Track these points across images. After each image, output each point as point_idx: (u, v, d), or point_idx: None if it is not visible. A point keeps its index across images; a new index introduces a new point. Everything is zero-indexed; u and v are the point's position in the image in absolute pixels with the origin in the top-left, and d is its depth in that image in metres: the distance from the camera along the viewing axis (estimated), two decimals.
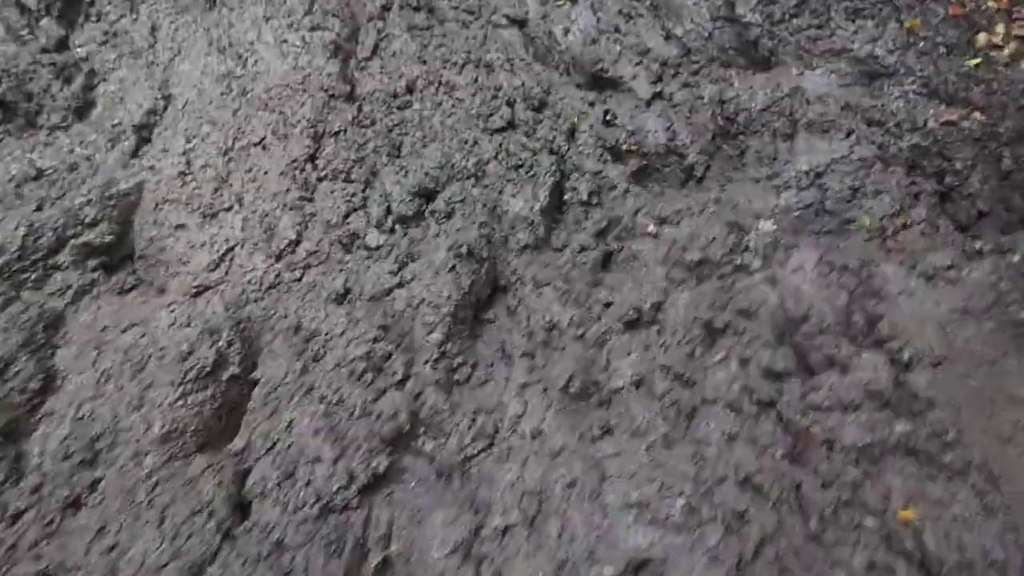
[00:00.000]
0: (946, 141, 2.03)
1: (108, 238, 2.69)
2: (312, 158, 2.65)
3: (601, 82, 2.52)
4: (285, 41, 3.10)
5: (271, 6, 3.22)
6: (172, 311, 2.49)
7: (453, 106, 2.65)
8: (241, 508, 1.95)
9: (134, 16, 3.26)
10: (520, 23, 2.78)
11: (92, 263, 2.70)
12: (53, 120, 3.05)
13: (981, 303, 1.68)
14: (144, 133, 3.01)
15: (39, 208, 2.70)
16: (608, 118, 2.38)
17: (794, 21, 2.28)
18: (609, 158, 2.32)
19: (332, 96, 2.83)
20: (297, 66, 2.99)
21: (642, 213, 2.12)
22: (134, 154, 2.94)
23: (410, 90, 2.79)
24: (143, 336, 2.47)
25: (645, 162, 2.33)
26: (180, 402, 2.17)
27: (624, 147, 2.32)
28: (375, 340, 2.07)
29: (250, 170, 2.68)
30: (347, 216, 2.51)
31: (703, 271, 1.97)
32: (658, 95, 2.36)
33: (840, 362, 1.71)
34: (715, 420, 1.71)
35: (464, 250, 2.18)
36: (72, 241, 2.68)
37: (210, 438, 2.21)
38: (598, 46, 2.57)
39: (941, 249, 1.81)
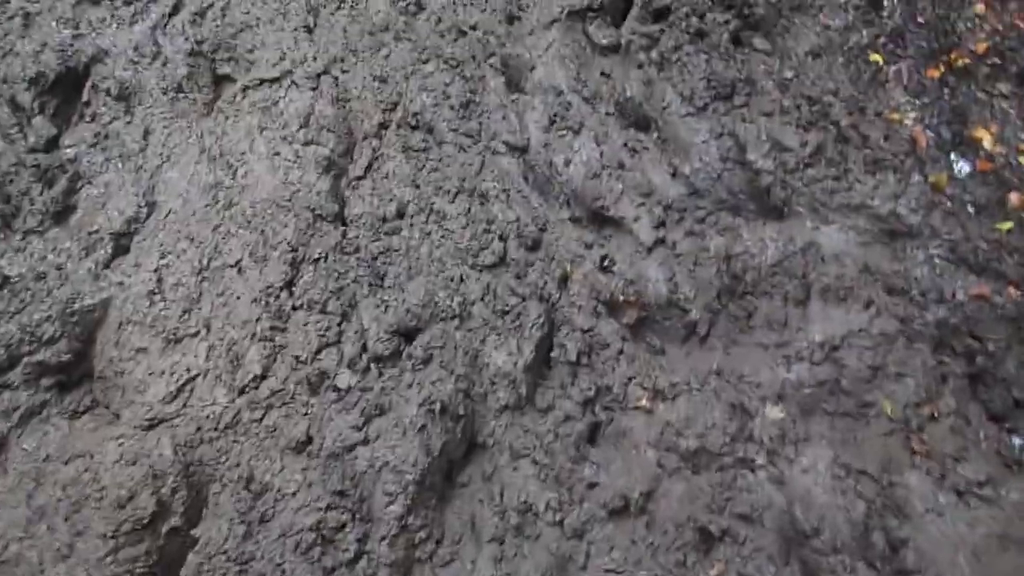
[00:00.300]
0: (977, 318, 1.83)
1: (65, 357, 2.52)
2: (289, 285, 2.49)
3: (601, 220, 2.37)
4: (277, 153, 2.99)
5: (267, 116, 3.12)
6: (120, 444, 2.29)
7: (443, 237, 2.49)
8: None
9: (128, 118, 3.17)
10: (520, 150, 2.65)
11: (46, 382, 2.52)
12: (29, 224, 2.93)
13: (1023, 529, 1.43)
14: (123, 241, 2.88)
15: None
16: (606, 264, 2.21)
17: (808, 171, 2.12)
18: (603, 311, 2.14)
19: (318, 216, 2.69)
20: (287, 181, 2.87)
21: (636, 382, 1.92)
22: (107, 264, 2.80)
23: (400, 215, 2.65)
24: (86, 471, 2.27)
25: (644, 313, 2.14)
26: (110, 558, 1.92)
27: (621, 297, 2.13)
28: (329, 508, 1.86)
29: (222, 293, 2.52)
30: (319, 351, 2.32)
31: (700, 461, 1.74)
32: (661, 241, 2.19)
33: None
34: None
35: (437, 407, 1.98)
36: (26, 359, 2.50)
37: None
38: (599, 181, 2.43)
39: (975, 455, 1.57)
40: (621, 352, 2.04)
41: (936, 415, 1.70)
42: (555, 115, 2.57)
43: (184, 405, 2.35)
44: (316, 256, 2.56)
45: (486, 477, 2.04)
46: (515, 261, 2.37)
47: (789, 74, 2.39)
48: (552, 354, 2.12)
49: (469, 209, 2.60)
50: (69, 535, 2.09)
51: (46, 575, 2.04)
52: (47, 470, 2.35)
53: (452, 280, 2.43)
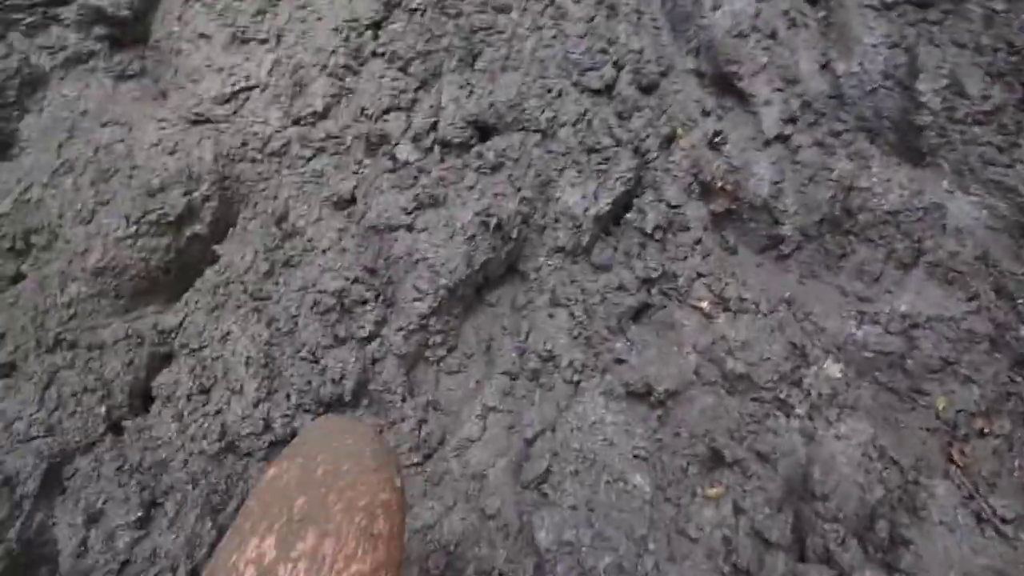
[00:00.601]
0: None
1: (124, 12, 2.33)
2: (376, 26, 2.26)
3: (727, 88, 2.13)
4: None
5: None
6: (161, 128, 2.18)
7: (554, 37, 2.24)
8: (143, 399, 1.71)
9: None
10: None
11: (98, 31, 2.35)
12: None
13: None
14: None
15: None
16: (717, 140, 2.00)
17: (974, 128, 1.88)
18: (696, 192, 1.97)
19: None
20: None
21: (704, 281, 1.80)
22: None
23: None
24: (121, 141, 2.17)
25: (734, 206, 1.98)
26: (129, 241, 1.88)
27: (720, 183, 1.96)
28: (356, 280, 1.79)
29: (303, 6, 2.28)
30: (387, 112, 2.17)
31: (740, 386, 1.68)
32: (784, 138, 1.99)
33: (839, 565, 1.46)
34: (689, 561, 1.47)
35: (493, 222, 1.87)
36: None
37: (147, 291, 1.94)
38: (742, 43, 2.16)
39: (1008, 486, 1.53)
40: (699, 243, 1.91)
41: (985, 431, 1.64)
42: None
43: (235, 113, 2.22)
44: (414, 6, 2.30)
45: (516, 307, 1.98)
46: (623, 98, 2.16)
47: (1001, 6, 2.05)
48: (627, 215, 1.98)
49: (593, 18, 2.33)
50: (93, 201, 2.03)
51: (63, 232, 2.00)
52: (82, 125, 2.25)
53: (549, 91, 2.23)
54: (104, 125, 2.26)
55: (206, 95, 2.25)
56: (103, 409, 1.58)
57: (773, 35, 2.25)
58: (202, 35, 2.33)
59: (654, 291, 1.87)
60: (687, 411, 1.72)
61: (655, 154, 2.03)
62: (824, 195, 1.95)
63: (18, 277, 2.03)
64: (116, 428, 1.68)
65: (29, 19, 2.29)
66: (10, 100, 2.20)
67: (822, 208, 1.97)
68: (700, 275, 1.83)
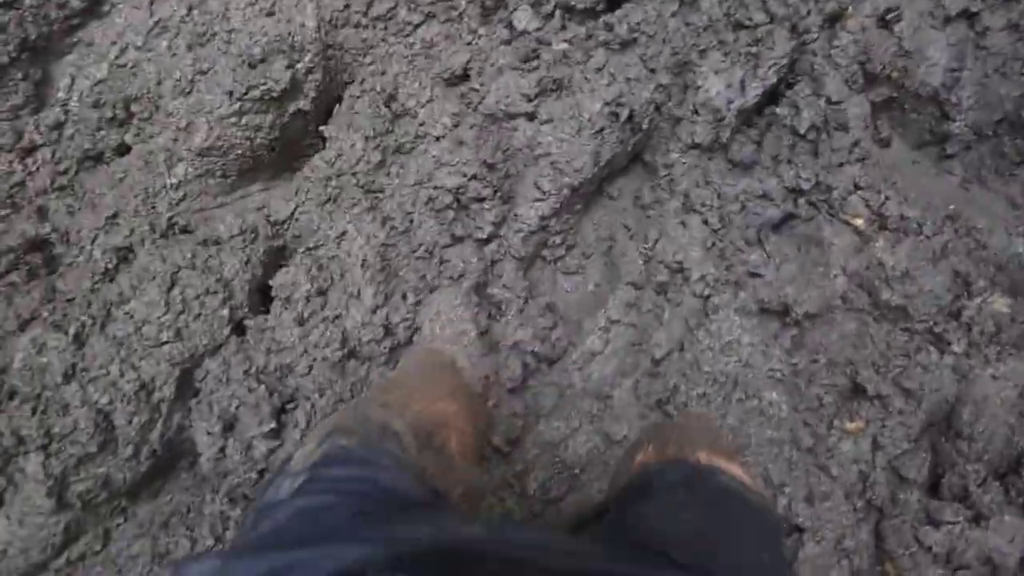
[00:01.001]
0: None
1: None
2: None
3: None
4: None
5: None
6: None
7: None
8: (261, 295, 1.70)
9: None
10: None
11: None
12: None
13: None
14: None
15: None
16: (890, 17, 1.73)
17: None
18: (860, 83, 1.73)
19: None
20: None
21: (861, 194, 1.62)
22: None
23: None
24: None
25: (895, 95, 1.75)
26: (234, 119, 1.80)
27: (887, 70, 1.72)
28: (474, 177, 1.68)
29: None
30: None
31: (891, 316, 1.55)
32: (970, 16, 1.70)
33: (977, 506, 1.40)
34: (831, 500, 1.45)
35: (625, 113, 1.69)
36: None
37: (252, 169, 1.88)
38: None
39: None
40: (857, 145, 1.70)
41: None
42: None
43: None
44: None
45: (641, 204, 1.85)
46: None
47: None
48: (777, 110, 1.77)
49: None
50: (192, 70, 1.93)
51: (163, 104, 1.92)
52: None
53: None
54: None
55: None
56: (226, 311, 1.58)
57: None
58: None
59: (801, 201, 1.71)
60: (826, 336, 1.62)
61: (815, 35, 1.77)
62: (1011, 90, 1.70)
63: (123, 148, 1.98)
64: (239, 328, 1.68)
65: None
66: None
67: (1005, 105, 1.72)
68: (858, 187, 1.65)
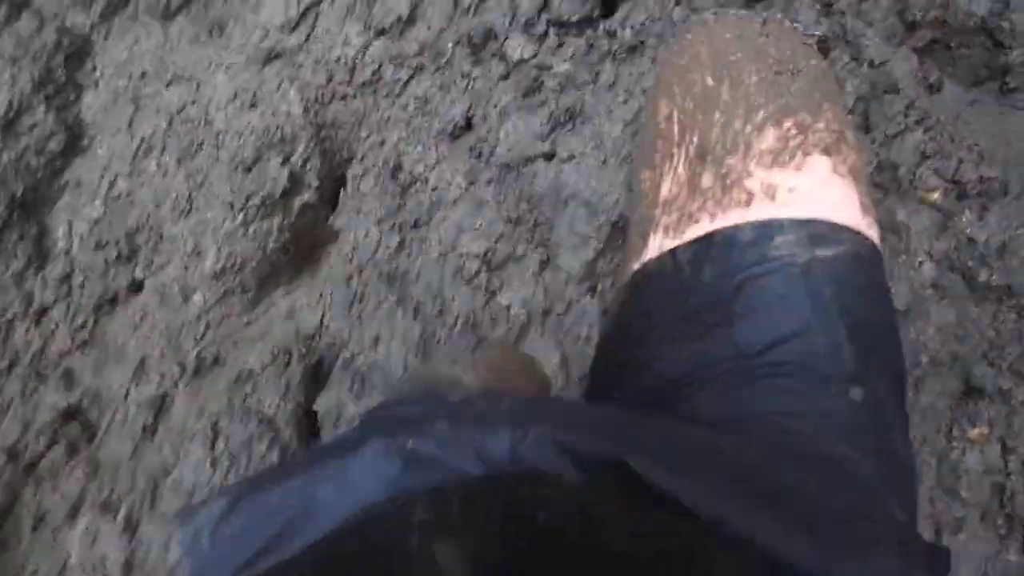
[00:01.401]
0: None
1: None
2: None
3: None
4: None
5: None
6: (232, 78, 1.90)
7: None
8: (308, 418, 1.60)
9: None
10: None
11: None
12: None
13: None
14: None
15: None
16: None
17: None
18: (900, 34, 1.55)
19: None
20: None
21: (930, 165, 1.44)
22: None
23: None
24: (193, 103, 1.92)
25: (937, 36, 1.57)
26: (240, 232, 1.71)
27: (927, 14, 1.54)
28: (500, 237, 1.55)
29: None
30: None
31: (993, 296, 1.38)
32: None
33: None
34: (967, 527, 1.29)
35: None
36: None
37: (271, 276, 1.79)
38: None
39: None
40: (912, 107, 1.52)
41: None
42: None
43: (308, 38, 1.90)
44: None
45: None
46: None
47: None
48: None
49: None
50: (186, 186, 1.84)
51: (166, 230, 1.83)
52: (145, 91, 2.00)
53: None
54: (169, 85, 2.00)
55: (271, 24, 1.93)
56: (275, 454, 1.48)
57: None
58: None
59: None
60: (922, 332, 1.44)
61: None
62: None
63: (135, 285, 1.90)
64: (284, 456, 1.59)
65: None
66: (61, 80, 1.96)
67: None
68: (925, 156, 1.47)
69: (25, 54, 1.91)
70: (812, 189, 0.70)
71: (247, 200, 1.77)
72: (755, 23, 0.82)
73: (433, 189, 1.73)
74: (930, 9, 1.59)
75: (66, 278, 1.91)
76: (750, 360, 0.66)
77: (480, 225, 1.61)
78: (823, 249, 0.68)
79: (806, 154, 0.71)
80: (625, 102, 1.62)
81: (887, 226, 1.43)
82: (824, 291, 0.67)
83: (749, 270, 0.68)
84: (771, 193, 0.70)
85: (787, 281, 0.67)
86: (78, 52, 2.00)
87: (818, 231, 0.69)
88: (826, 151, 0.72)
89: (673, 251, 0.74)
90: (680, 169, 0.76)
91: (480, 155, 1.69)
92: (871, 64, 1.52)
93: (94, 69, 2.00)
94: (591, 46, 1.75)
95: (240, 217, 1.78)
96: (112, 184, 1.94)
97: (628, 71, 1.67)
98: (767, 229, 0.69)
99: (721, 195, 0.72)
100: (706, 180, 0.73)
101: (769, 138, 0.72)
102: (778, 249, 0.68)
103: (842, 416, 0.64)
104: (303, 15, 1.90)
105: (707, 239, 0.71)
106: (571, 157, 1.60)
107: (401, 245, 1.66)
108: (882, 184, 1.46)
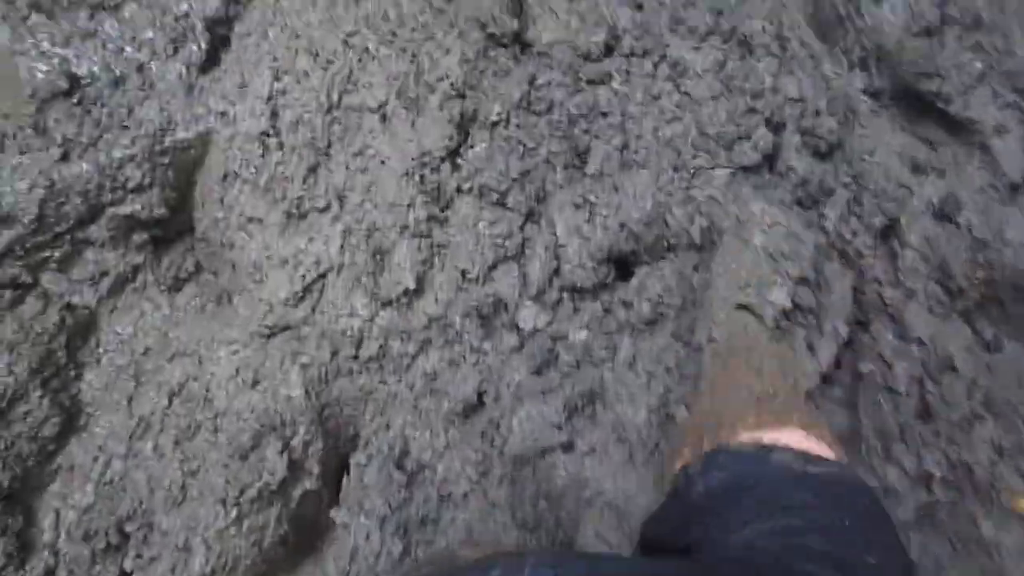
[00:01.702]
0: None
1: (159, 211, 1.96)
2: (453, 155, 1.80)
3: (932, 118, 1.55)
4: None
5: None
6: (234, 352, 1.82)
7: (678, 104, 1.72)
8: None
9: None
10: None
11: (137, 239, 2.00)
12: None
13: None
14: (220, 32, 2.16)
15: (65, 157, 1.94)
16: (946, 208, 1.44)
17: None
18: (947, 300, 1.42)
19: (491, 37, 1.91)
20: None
21: (1008, 462, 1.26)
22: (202, 69, 2.10)
23: (610, 50, 1.85)
24: (195, 379, 1.83)
25: (985, 294, 1.43)
26: (233, 529, 1.54)
27: (968, 274, 1.41)
28: (515, 543, 1.37)
29: (360, 153, 1.87)
30: (493, 267, 1.72)
31: None
32: None
33: None
34: None
35: (680, 412, 1.38)
36: (110, 210, 1.95)
37: (266, 573, 1.60)
38: (934, 45, 1.57)
39: None
40: (974, 387, 1.36)
41: None
42: None
43: (313, 311, 1.84)
44: (493, 117, 1.83)
45: None
46: (796, 174, 1.62)
47: None
48: (861, 367, 1.46)
49: (722, 64, 1.78)
50: (180, 473, 1.71)
51: (157, 520, 1.68)
52: (147, 367, 1.93)
53: (690, 179, 1.71)
54: (171, 360, 1.93)
55: (275, 298, 1.87)
56: None
57: (977, 22, 1.65)
58: (252, 219, 1.95)
59: (935, 486, 1.35)
60: None
61: (870, 255, 1.48)
62: None
63: None
64: None
65: (58, 252, 1.97)
66: (61, 362, 1.90)
67: None
68: (1000, 450, 1.29)
69: (25, 339, 1.86)
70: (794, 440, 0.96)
71: (242, 493, 1.64)
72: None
73: (443, 481, 1.57)
74: (974, 270, 1.47)
75: (49, 574, 1.76)
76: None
77: (490, 525, 1.44)
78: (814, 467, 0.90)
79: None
80: (648, 384, 1.48)
81: (972, 540, 1.23)
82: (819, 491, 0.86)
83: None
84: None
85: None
86: (82, 330, 1.95)
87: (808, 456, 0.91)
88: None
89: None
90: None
91: (492, 442, 1.55)
92: (920, 342, 1.38)
93: (97, 346, 1.95)
94: (607, 311, 1.65)
95: (234, 513, 1.64)
96: (107, 466, 1.83)
97: (648, 346, 1.55)
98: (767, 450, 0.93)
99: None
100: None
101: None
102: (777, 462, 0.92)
103: None
104: (308, 288, 1.85)
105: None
106: (592, 451, 1.45)
107: (405, 552, 1.49)
108: (956, 484, 1.27)
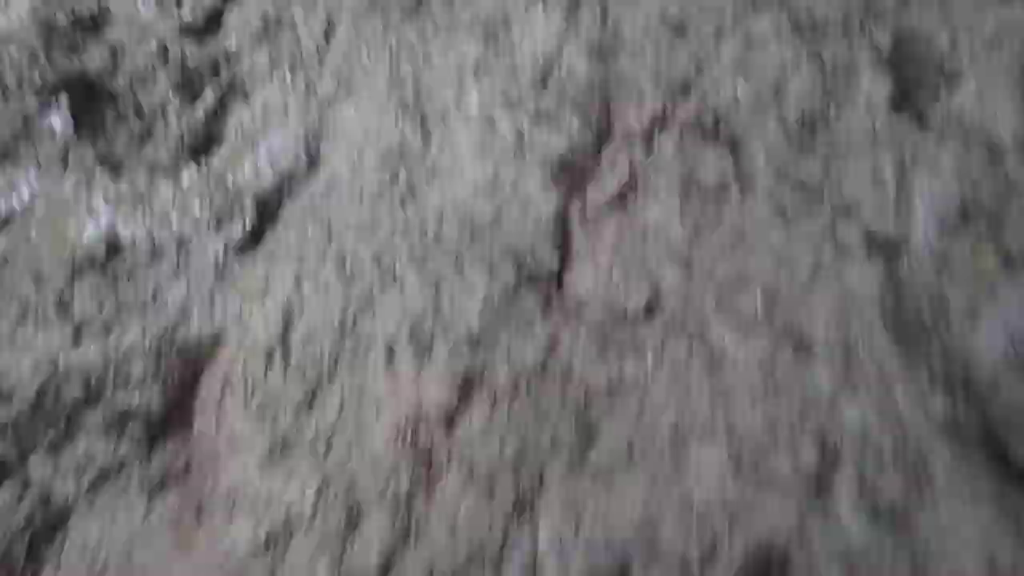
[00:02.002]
0: None
1: (156, 408, 1.84)
2: (449, 421, 1.58)
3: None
4: (491, 120, 1.97)
5: (491, 46, 2.06)
6: None
7: (711, 400, 1.45)
8: None
9: None
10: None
11: (132, 431, 1.88)
12: (161, 155, 2.19)
13: None
14: (267, 212, 2.07)
15: (76, 340, 1.87)
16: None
17: None
18: None
19: (523, 271, 1.70)
20: (497, 176, 1.88)
21: None
22: (239, 250, 2.00)
23: (650, 310, 1.61)
24: None
25: None
26: None
27: None
28: None
29: (359, 390, 1.68)
30: (468, 560, 1.47)
31: None
32: None
33: None
34: None
35: None
36: (107, 397, 1.86)
37: None
38: None
39: None
40: None
41: None
42: None
43: (272, 571, 1.63)
44: (501, 381, 1.61)
45: None
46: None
47: None
48: None
49: (771, 361, 1.49)
50: None
51: None
52: None
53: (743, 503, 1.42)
54: None
55: (239, 540, 1.69)
56: None
57: None
58: (240, 438, 1.79)
59: None
60: None
61: None
62: None
63: None
64: None
65: (51, 434, 1.89)
66: (19, 562, 1.80)
67: None
68: None
69: None
70: None
71: None
72: None
73: None
74: None
75: None
76: None
77: None
78: None
79: None
80: None
81: None
82: None
83: None
84: None
85: None
86: (52, 525, 1.85)
87: None
88: None
89: None
90: None
91: None
92: None
93: (61, 548, 1.83)
94: None
95: None
96: None
97: None
98: None
99: None
100: None
101: None
102: None
103: None
104: (274, 541, 1.66)
105: None
106: None
107: None
108: None
